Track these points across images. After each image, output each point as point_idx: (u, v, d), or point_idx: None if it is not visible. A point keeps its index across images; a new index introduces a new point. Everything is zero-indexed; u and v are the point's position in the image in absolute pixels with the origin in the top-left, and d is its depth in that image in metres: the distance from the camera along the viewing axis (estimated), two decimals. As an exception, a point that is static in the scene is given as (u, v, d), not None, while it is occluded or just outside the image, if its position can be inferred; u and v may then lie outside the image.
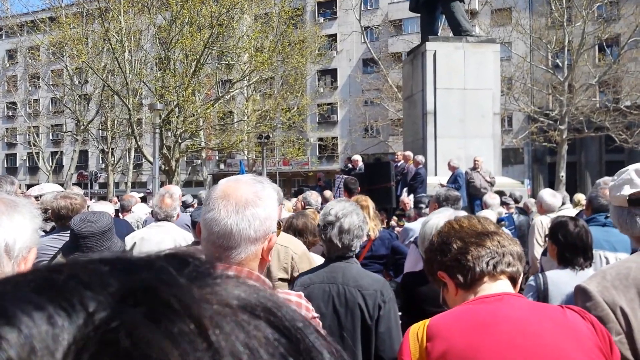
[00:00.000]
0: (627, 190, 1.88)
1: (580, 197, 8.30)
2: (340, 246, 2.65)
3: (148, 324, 0.27)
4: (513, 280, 1.57)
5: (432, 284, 2.39)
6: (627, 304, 1.64)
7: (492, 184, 10.50)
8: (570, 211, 5.80)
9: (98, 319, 0.27)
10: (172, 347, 0.26)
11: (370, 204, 4.67)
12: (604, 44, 28.48)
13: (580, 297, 1.71)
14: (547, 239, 3.49)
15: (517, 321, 1.45)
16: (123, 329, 0.26)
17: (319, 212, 5.42)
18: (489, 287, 1.53)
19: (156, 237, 4.12)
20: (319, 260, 3.64)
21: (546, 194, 5.72)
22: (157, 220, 4.28)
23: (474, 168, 10.61)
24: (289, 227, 4.06)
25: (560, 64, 27.60)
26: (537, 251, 5.22)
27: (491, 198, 7.12)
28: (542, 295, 3.12)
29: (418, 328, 1.52)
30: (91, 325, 0.26)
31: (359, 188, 7.21)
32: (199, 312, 0.28)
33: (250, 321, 0.29)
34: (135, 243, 4.04)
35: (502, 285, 1.54)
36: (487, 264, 1.52)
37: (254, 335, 0.28)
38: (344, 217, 2.65)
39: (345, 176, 11.67)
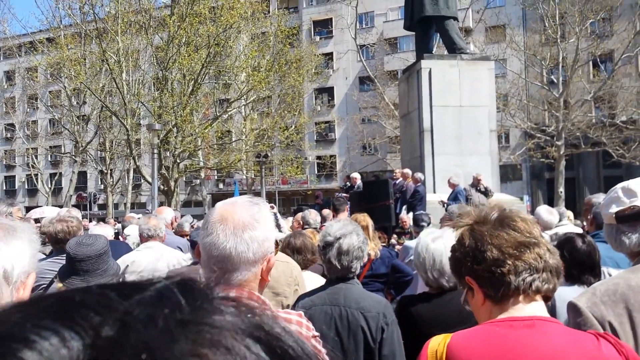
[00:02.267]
0: (614, 208, 1.92)
1: (568, 213, 8.21)
2: (339, 267, 2.63)
3: (149, 345, 0.30)
4: (546, 297, 1.49)
5: (432, 304, 2.33)
6: (615, 319, 1.67)
7: (487, 194, 10.45)
8: (568, 227, 5.78)
9: (105, 341, 0.30)
10: None
11: (370, 223, 4.64)
12: (598, 59, 28.78)
13: (572, 312, 1.74)
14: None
15: (550, 355, 1.33)
16: (125, 350, 0.29)
17: (318, 231, 5.43)
18: (521, 307, 1.42)
19: (147, 259, 4.17)
20: (315, 278, 3.65)
21: (543, 210, 5.69)
22: (142, 239, 4.40)
23: (474, 185, 10.62)
24: (287, 246, 4.09)
25: (555, 80, 27.83)
26: None
27: None
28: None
29: (438, 344, 1.43)
30: (99, 346, 0.29)
31: (347, 207, 7.22)
32: (197, 335, 0.31)
33: (243, 341, 0.32)
34: (127, 266, 4.06)
35: (535, 307, 1.44)
36: (524, 280, 1.41)
37: (244, 354, 0.31)
38: (342, 238, 2.63)
39: (344, 194, 11.69)
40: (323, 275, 3.36)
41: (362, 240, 2.68)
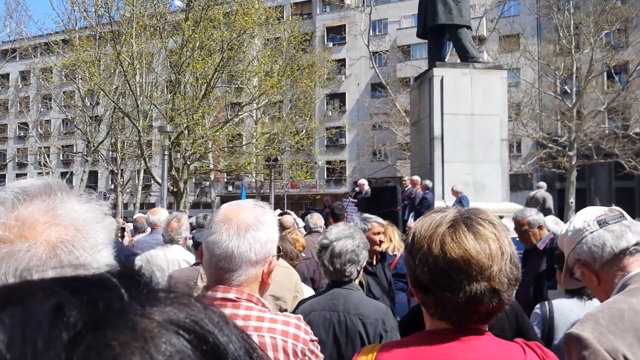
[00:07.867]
0: (624, 242, 1.67)
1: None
2: (332, 270, 2.66)
3: (88, 333, 0.32)
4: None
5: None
6: (628, 350, 1.47)
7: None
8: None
9: (38, 319, 0.33)
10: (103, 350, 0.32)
11: (395, 228, 5.41)
12: (613, 70, 28.56)
13: (575, 345, 1.52)
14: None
15: None
16: (58, 328, 0.32)
17: (319, 233, 5.70)
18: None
19: (161, 258, 4.33)
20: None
21: (549, 220, 5.65)
22: (165, 242, 4.49)
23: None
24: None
25: (568, 91, 27.66)
26: None
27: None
28: (547, 324, 3.08)
29: (366, 357, 1.37)
30: (32, 324, 0.32)
31: (346, 214, 7.53)
32: (125, 324, 0.33)
33: (171, 337, 0.34)
34: (145, 262, 4.27)
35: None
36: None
37: (166, 348, 0.33)
38: (336, 241, 2.66)
39: (352, 199, 11.68)
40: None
41: (357, 244, 2.69)
